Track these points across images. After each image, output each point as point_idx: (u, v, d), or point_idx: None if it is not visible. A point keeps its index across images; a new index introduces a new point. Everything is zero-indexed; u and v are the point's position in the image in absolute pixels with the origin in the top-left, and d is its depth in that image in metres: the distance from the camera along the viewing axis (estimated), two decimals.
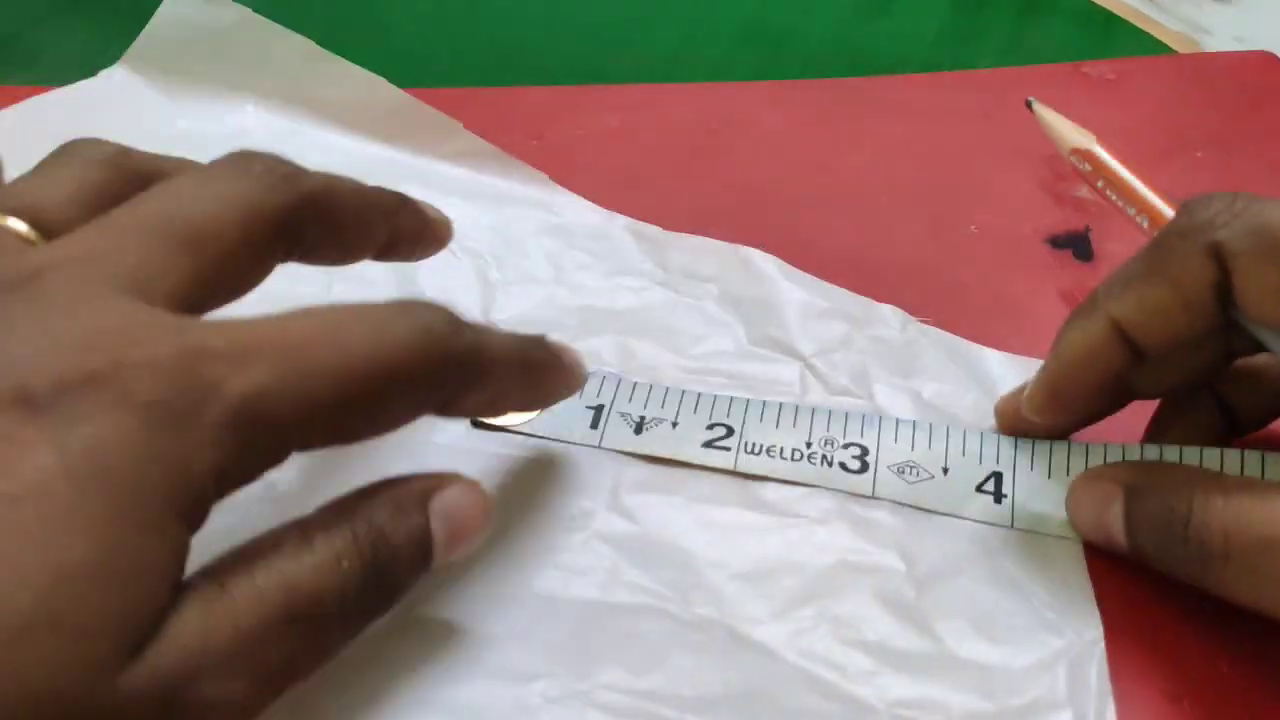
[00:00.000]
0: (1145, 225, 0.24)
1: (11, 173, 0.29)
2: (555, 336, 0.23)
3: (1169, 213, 0.23)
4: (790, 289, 0.30)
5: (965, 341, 0.29)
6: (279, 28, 0.32)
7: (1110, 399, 0.25)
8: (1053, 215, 0.34)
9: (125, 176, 0.21)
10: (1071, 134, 0.24)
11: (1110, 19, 0.44)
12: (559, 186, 0.33)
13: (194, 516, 0.16)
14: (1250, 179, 0.35)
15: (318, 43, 0.33)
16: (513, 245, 0.31)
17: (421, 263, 0.28)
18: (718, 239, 0.32)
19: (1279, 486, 0.21)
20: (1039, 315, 0.31)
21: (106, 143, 0.22)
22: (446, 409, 0.20)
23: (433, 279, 0.29)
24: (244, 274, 0.20)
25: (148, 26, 0.33)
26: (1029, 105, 0.25)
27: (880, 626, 0.23)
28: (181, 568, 0.16)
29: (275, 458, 0.17)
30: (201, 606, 0.16)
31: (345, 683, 0.21)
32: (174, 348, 0.16)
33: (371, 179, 0.31)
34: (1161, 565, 0.22)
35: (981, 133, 0.37)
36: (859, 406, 0.27)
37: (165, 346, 0.16)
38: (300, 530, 0.18)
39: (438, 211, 0.25)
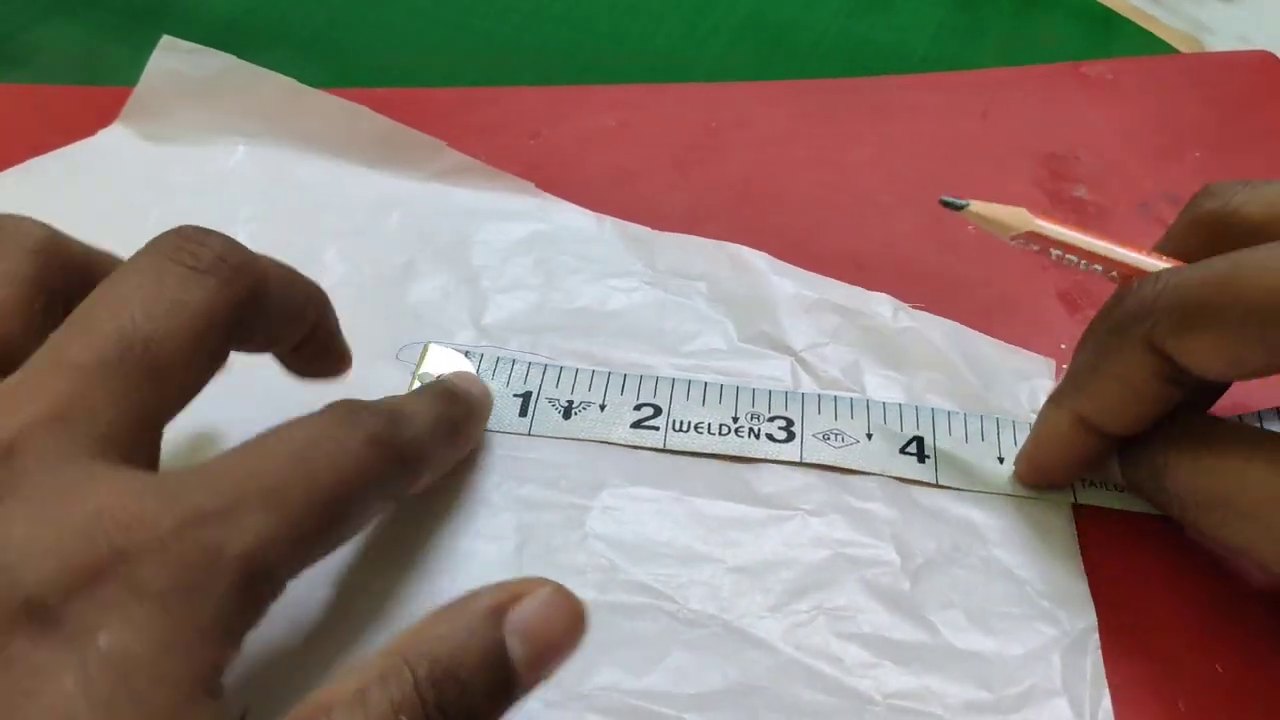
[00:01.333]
0: (1115, 277, 0.24)
1: None
2: (460, 368, 0.25)
3: (1131, 258, 0.24)
4: (780, 283, 0.30)
5: (958, 326, 0.30)
6: (264, 70, 0.33)
7: (1094, 462, 0.25)
8: (1051, 215, 0.33)
9: (58, 266, 0.20)
10: (1008, 220, 0.24)
11: (1111, 17, 0.44)
12: (546, 193, 0.33)
13: (217, 687, 0.16)
14: (1250, 179, 0.35)
15: (316, 42, 0.33)
16: (500, 255, 0.31)
17: (413, 280, 0.30)
18: (715, 238, 0.32)
19: (1241, 447, 0.22)
20: (1037, 315, 0.31)
21: (33, 225, 0.21)
22: (397, 499, 0.21)
23: (425, 297, 0.30)
24: (199, 386, 0.20)
25: (139, 83, 0.34)
26: (957, 208, 0.25)
27: (876, 618, 0.23)
28: None
29: (274, 598, 0.17)
30: None
31: None
32: (173, 519, 0.16)
33: (359, 204, 0.32)
34: (1152, 503, 0.25)
35: (980, 132, 0.37)
36: (851, 399, 0.28)
37: (164, 519, 0.16)
38: (356, 685, 0.16)
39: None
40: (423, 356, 0.28)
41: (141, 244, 0.28)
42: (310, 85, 0.33)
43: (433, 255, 0.31)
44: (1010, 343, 0.30)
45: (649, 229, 0.32)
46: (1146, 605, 0.24)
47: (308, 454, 0.18)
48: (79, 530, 0.16)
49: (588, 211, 0.32)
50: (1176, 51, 0.42)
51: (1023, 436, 0.27)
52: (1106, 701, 0.22)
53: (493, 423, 0.27)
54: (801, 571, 0.24)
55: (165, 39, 0.34)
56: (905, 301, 0.30)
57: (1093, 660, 0.23)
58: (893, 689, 0.22)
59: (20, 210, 0.29)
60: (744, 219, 0.33)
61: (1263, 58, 0.41)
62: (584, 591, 0.23)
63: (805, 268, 0.31)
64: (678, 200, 0.33)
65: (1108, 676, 0.22)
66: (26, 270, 0.20)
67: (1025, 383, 0.29)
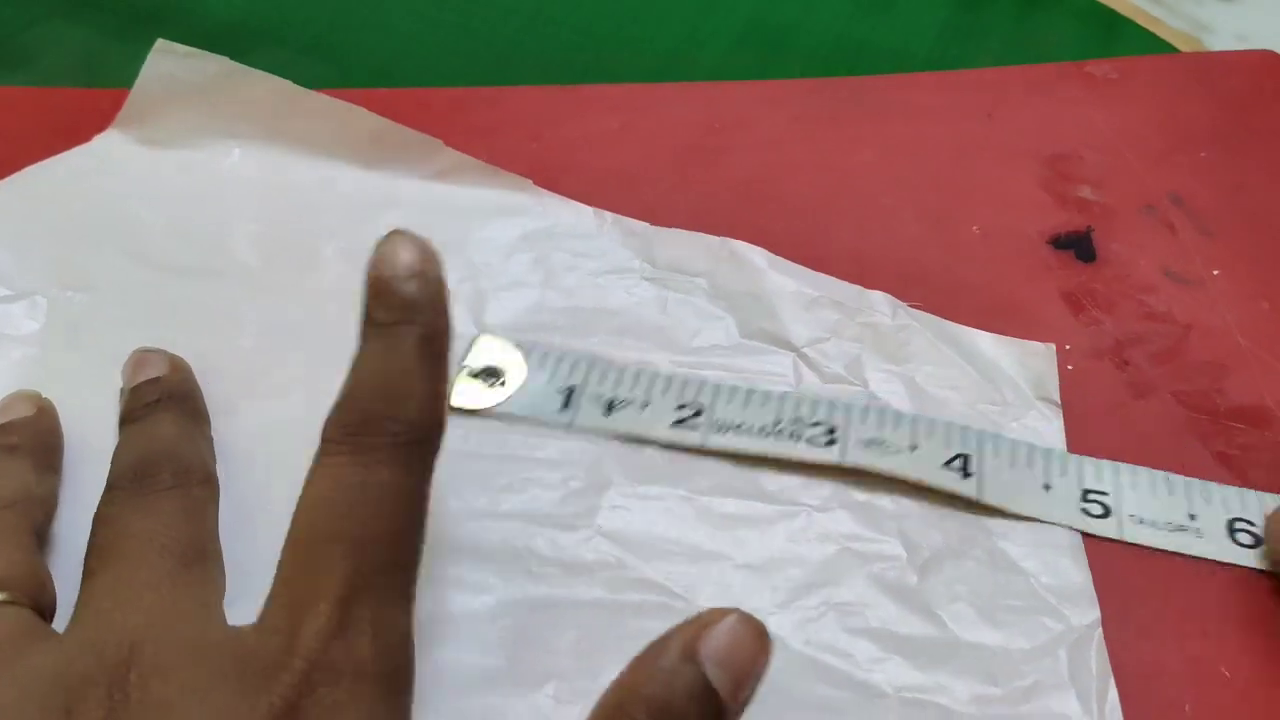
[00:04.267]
0: None
1: (28, 241, 0.30)
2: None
3: None
4: (779, 279, 0.30)
5: (956, 325, 0.30)
6: (259, 73, 0.33)
7: None
8: (1055, 215, 0.34)
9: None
10: None
11: (1113, 17, 0.44)
12: (544, 190, 0.33)
13: None
14: (1252, 178, 0.35)
15: (317, 43, 0.33)
16: (500, 253, 0.31)
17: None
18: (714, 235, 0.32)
19: None
20: (1041, 316, 0.31)
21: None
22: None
23: None
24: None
25: (134, 88, 0.33)
26: None
27: (884, 613, 0.23)
28: None
29: (412, 647, 0.20)
30: None
31: None
32: (304, 657, 0.18)
33: (356, 204, 0.32)
34: None
35: (984, 132, 0.37)
36: (853, 394, 0.28)
37: (297, 661, 0.18)
38: None
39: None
40: (471, 346, 0.28)
41: (142, 253, 0.30)
42: (310, 86, 0.33)
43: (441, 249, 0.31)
44: None
45: (648, 224, 0.32)
46: (1153, 608, 0.24)
47: (359, 520, 0.19)
48: (239, 694, 0.18)
49: (586, 207, 0.32)
50: (1178, 51, 0.42)
51: (1068, 468, 0.26)
52: (1113, 694, 0.22)
53: (537, 413, 0.27)
54: (809, 568, 0.24)
55: (160, 42, 0.33)
56: (906, 302, 0.30)
57: (1098, 654, 0.23)
58: (903, 682, 0.22)
59: (20, 220, 0.30)
60: (745, 220, 0.32)
61: (1266, 57, 0.40)
62: (593, 590, 0.23)
63: (807, 268, 0.31)
64: (679, 201, 0.33)
65: (1119, 694, 0.22)
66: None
67: (1027, 370, 0.29)
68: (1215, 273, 0.32)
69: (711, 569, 0.24)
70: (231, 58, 0.33)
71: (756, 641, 0.18)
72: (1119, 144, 0.36)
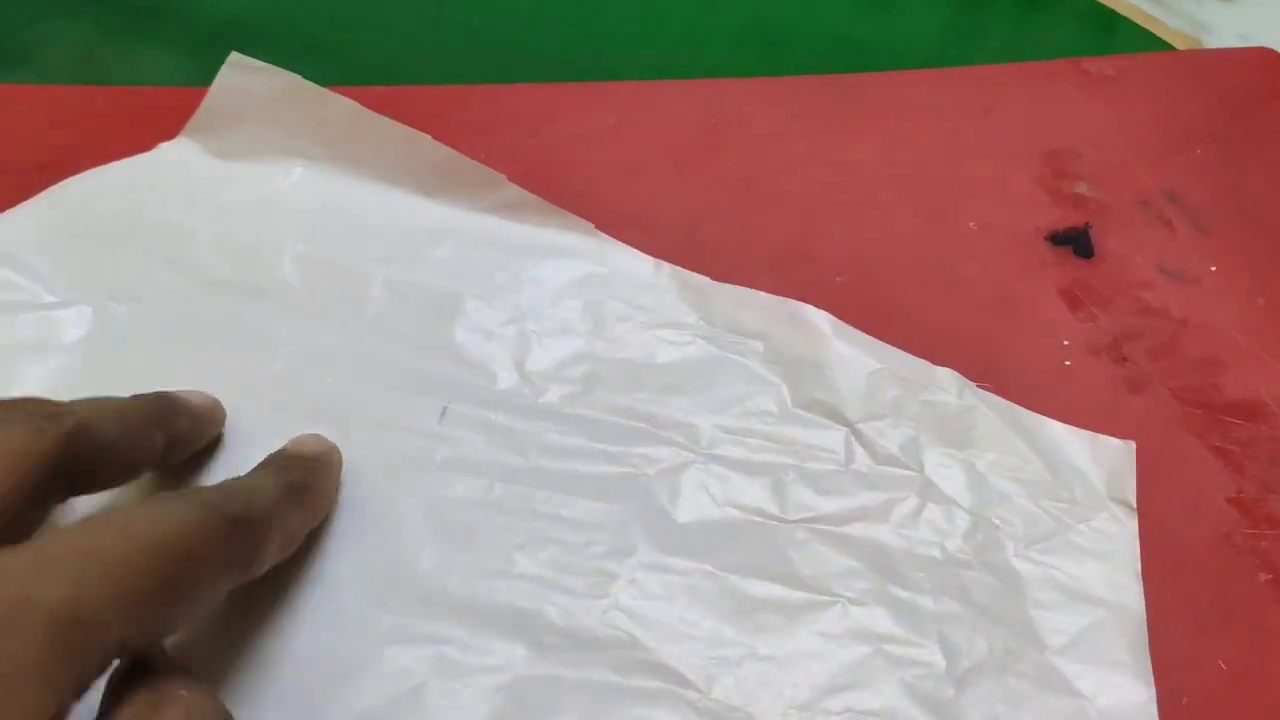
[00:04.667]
0: None
1: (80, 247, 0.30)
2: (303, 434, 0.25)
3: None
4: (842, 348, 0.28)
5: (1027, 411, 0.28)
6: (328, 92, 0.32)
7: None
8: (1052, 212, 0.34)
9: (72, 450, 0.21)
10: None
11: (1112, 16, 0.44)
12: (604, 235, 0.32)
13: None
14: (1249, 175, 0.35)
15: (316, 41, 0.33)
16: (550, 296, 0.30)
17: (458, 315, 0.29)
18: (715, 236, 0.32)
19: None
20: (1039, 313, 0.31)
21: (63, 411, 0.22)
22: (250, 571, 0.21)
23: (469, 335, 0.29)
24: (24, 521, 0.20)
25: (205, 99, 0.33)
26: None
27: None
28: None
29: (107, 657, 0.17)
30: None
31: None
32: None
33: (409, 233, 0.32)
34: None
35: (982, 129, 0.37)
36: (907, 478, 0.26)
37: None
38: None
39: (203, 396, 0.26)
40: None
41: (188, 262, 0.30)
42: (309, 84, 0.33)
43: (481, 292, 0.30)
44: (1009, 340, 0.29)
45: (708, 279, 0.30)
46: (1151, 602, 0.24)
47: (130, 520, 0.19)
48: None
49: (646, 256, 0.31)
50: (1177, 50, 0.42)
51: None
52: None
53: None
54: (836, 667, 0.22)
55: (234, 56, 0.33)
56: (906, 301, 0.30)
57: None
58: None
59: (71, 226, 0.30)
60: (744, 217, 0.33)
61: (1264, 55, 0.41)
62: (600, 672, 0.22)
63: (806, 265, 0.31)
64: (677, 198, 0.33)
65: None
66: (38, 447, 0.21)
67: (1101, 466, 0.26)
68: (1212, 269, 0.32)
69: (730, 657, 0.22)
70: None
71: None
72: (1116, 141, 0.36)
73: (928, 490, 0.26)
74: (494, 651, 0.22)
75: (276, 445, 0.25)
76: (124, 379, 0.26)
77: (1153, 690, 0.22)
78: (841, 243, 0.32)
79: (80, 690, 0.17)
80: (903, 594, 0.24)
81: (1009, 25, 0.43)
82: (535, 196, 0.32)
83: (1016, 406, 0.28)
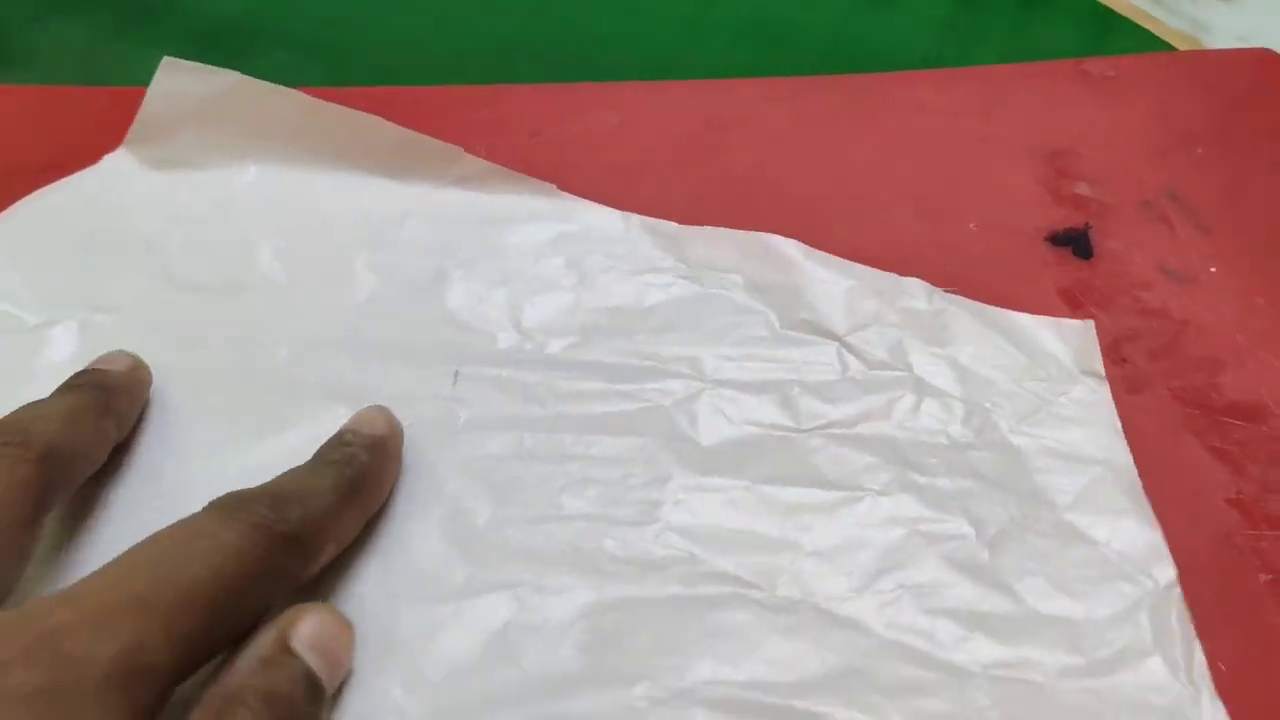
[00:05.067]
0: None
1: (49, 264, 0.29)
2: (353, 419, 0.25)
3: None
4: (814, 269, 0.30)
5: (991, 307, 0.30)
6: (271, 85, 0.32)
7: None
8: (1052, 212, 0.34)
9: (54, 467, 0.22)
10: None
11: (1111, 16, 0.44)
12: (567, 194, 0.32)
13: None
14: (1249, 175, 0.35)
15: (315, 42, 0.33)
16: (530, 257, 0.31)
17: (446, 286, 0.30)
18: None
19: None
20: (1038, 312, 0.30)
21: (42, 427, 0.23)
22: (300, 580, 0.21)
23: (462, 299, 0.30)
24: (24, 551, 0.21)
25: (142, 107, 0.33)
26: None
27: (961, 592, 0.23)
28: None
29: (163, 696, 0.18)
30: None
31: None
32: (35, 634, 0.17)
33: (380, 215, 0.32)
34: None
35: (982, 129, 0.37)
36: (900, 378, 0.28)
37: (26, 637, 0.17)
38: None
39: (123, 357, 0.26)
40: None
41: (165, 273, 0.30)
42: (309, 85, 0.33)
43: (462, 261, 0.31)
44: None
45: (676, 224, 0.32)
46: None
47: (177, 556, 0.19)
48: None
49: (612, 210, 0.32)
50: (1176, 50, 0.42)
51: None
52: (1199, 655, 0.22)
53: None
54: (880, 551, 0.24)
55: (166, 60, 0.33)
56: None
57: (1178, 615, 0.23)
58: (989, 659, 0.22)
59: (32, 246, 0.30)
60: (744, 217, 0.33)
61: (1264, 55, 0.41)
62: (668, 586, 0.23)
63: None
64: (678, 197, 0.33)
65: None
66: (21, 474, 0.21)
67: (1068, 346, 0.29)
68: (1212, 269, 0.32)
69: (782, 557, 0.24)
70: (230, 56, 0.33)
71: (339, 627, 0.21)
72: (1116, 141, 0.36)
73: (921, 387, 0.28)
74: (565, 587, 0.23)
75: (299, 432, 0.26)
76: (129, 473, 0.26)
77: (1159, 530, 0.25)
78: (842, 243, 0.32)
79: None
80: (921, 479, 0.26)
81: (1009, 25, 0.43)
82: (496, 165, 0.32)
83: (982, 305, 0.30)
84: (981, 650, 0.22)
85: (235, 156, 0.33)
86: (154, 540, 0.20)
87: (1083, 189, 0.35)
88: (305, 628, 0.20)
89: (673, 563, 0.24)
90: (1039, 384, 0.28)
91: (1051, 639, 0.23)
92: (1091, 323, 0.30)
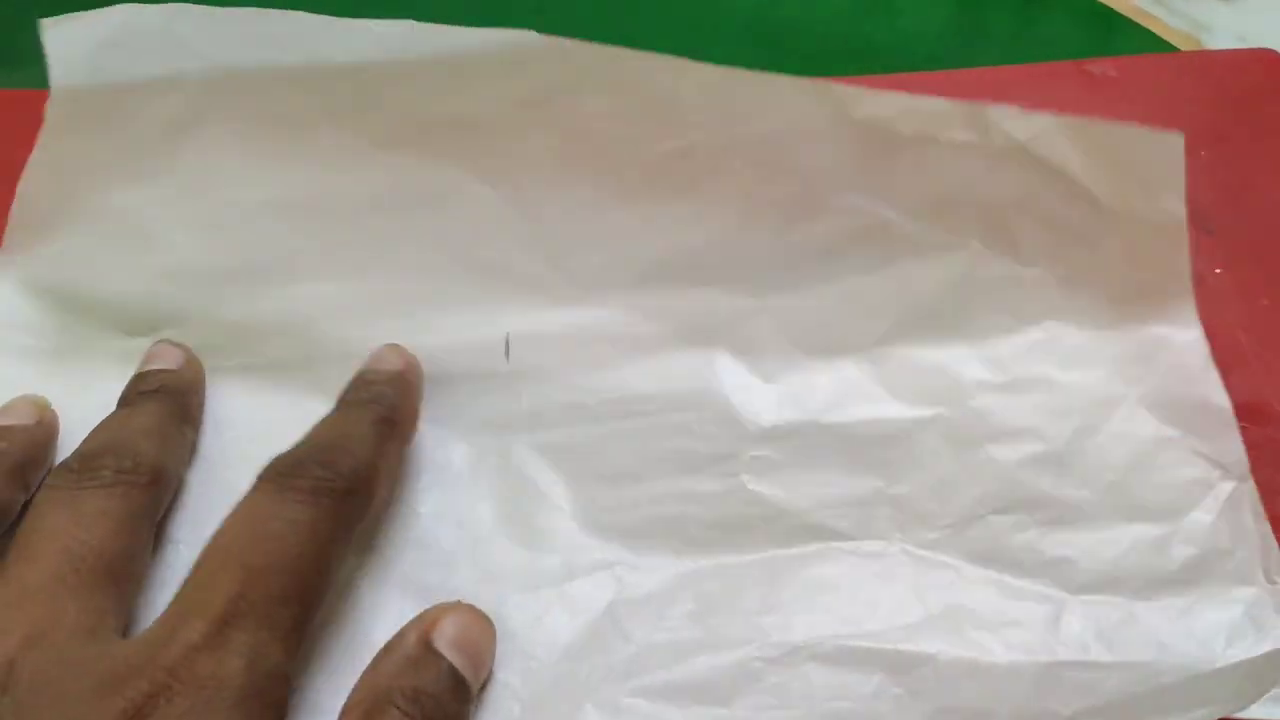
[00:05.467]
0: None
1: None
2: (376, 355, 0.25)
3: None
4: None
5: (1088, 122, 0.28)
6: (178, 6, 0.27)
7: None
8: None
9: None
10: None
11: (1113, 17, 0.44)
12: (546, 38, 0.28)
13: None
14: (1253, 176, 0.35)
15: None
16: (533, 125, 0.28)
17: (469, 208, 0.27)
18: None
19: None
20: None
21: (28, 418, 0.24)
22: (363, 520, 0.22)
23: (481, 240, 0.27)
24: (147, 573, 0.22)
25: (52, 93, 0.29)
26: None
27: (1041, 514, 0.24)
28: None
29: (290, 688, 0.20)
30: None
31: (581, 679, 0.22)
32: (165, 664, 0.18)
33: (358, 174, 0.28)
34: None
35: None
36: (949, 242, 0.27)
37: (157, 667, 0.18)
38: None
39: (173, 351, 0.26)
40: None
41: (177, 266, 0.28)
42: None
43: (478, 168, 0.28)
44: None
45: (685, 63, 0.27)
46: None
47: (254, 549, 0.20)
48: (96, 697, 0.18)
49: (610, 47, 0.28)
50: (1178, 50, 0.42)
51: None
52: (1276, 550, 0.23)
53: None
54: (956, 477, 0.25)
55: (46, 24, 0.28)
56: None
57: (1253, 509, 0.24)
58: (1077, 585, 0.23)
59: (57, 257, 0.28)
60: None
61: (1267, 56, 0.40)
62: (760, 547, 0.24)
63: None
64: None
65: None
66: (139, 501, 0.22)
67: (1156, 161, 0.28)
68: (1217, 271, 0.32)
69: (865, 506, 0.24)
70: None
71: (481, 626, 0.22)
72: None
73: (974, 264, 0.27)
74: (660, 560, 0.24)
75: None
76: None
77: (1234, 426, 0.25)
78: None
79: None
80: (976, 403, 0.26)
81: (1010, 26, 0.43)
82: (456, 31, 0.28)
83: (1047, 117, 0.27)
84: (1072, 574, 0.23)
85: (178, 111, 0.28)
86: (228, 531, 0.20)
87: None
88: (449, 627, 0.21)
89: (760, 521, 0.24)
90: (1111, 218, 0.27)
91: (1135, 546, 0.23)
92: (1180, 136, 0.28)
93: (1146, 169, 0.27)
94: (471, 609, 0.22)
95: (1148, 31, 0.43)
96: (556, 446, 0.25)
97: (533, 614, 0.23)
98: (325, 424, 0.23)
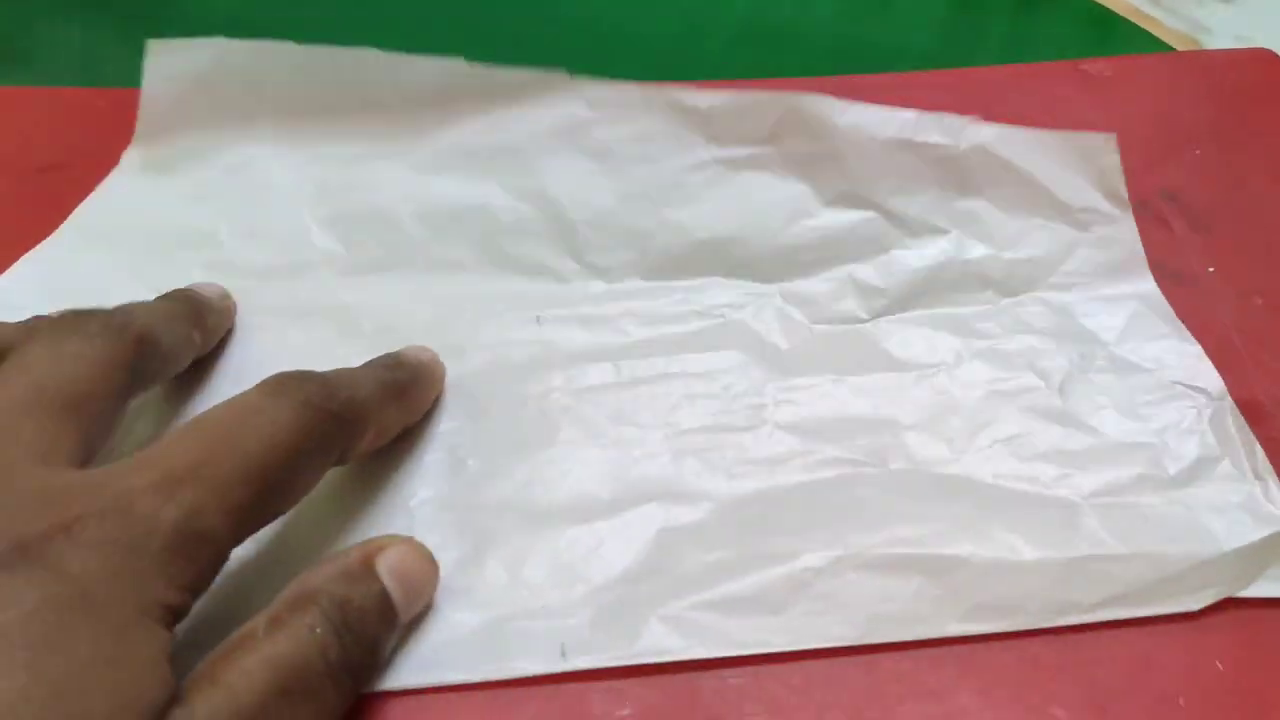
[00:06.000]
0: None
1: (115, 265, 0.29)
2: (411, 346, 0.27)
3: None
4: (847, 128, 0.31)
5: (1016, 129, 0.31)
6: (263, 45, 0.32)
7: None
8: None
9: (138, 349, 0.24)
10: None
11: (1110, 17, 0.44)
12: (585, 79, 0.32)
13: (168, 621, 0.18)
14: (1248, 176, 0.35)
15: (316, 42, 0.33)
16: (564, 157, 0.31)
17: (496, 226, 0.30)
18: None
19: None
20: None
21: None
22: (343, 459, 0.23)
23: (514, 242, 0.30)
24: (112, 421, 0.23)
25: (142, 101, 0.32)
26: None
27: (1048, 436, 0.26)
28: (170, 664, 0.18)
29: (219, 558, 0.20)
30: (201, 699, 0.18)
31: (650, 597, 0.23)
32: (108, 496, 0.19)
33: (413, 160, 0.31)
34: None
35: None
36: (942, 250, 0.30)
37: (100, 498, 0.18)
38: (268, 617, 0.19)
39: (215, 289, 0.28)
40: None
41: (226, 262, 0.30)
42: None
43: (508, 188, 0.31)
44: None
45: (702, 93, 0.31)
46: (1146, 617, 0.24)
47: (235, 429, 0.20)
48: (29, 507, 0.18)
49: (630, 84, 0.31)
50: (1174, 51, 0.42)
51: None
52: (1260, 451, 0.26)
53: None
54: (967, 414, 0.27)
55: (151, 44, 0.32)
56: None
57: (1234, 420, 0.26)
58: (1088, 490, 0.25)
59: (93, 250, 0.30)
60: None
61: (1262, 55, 0.41)
62: (793, 476, 0.26)
63: None
64: None
65: (1109, 684, 0.22)
66: (119, 354, 0.23)
67: (1092, 167, 0.31)
68: (1210, 269, 0.32)
69: (884, 435, 0.26)
70: None
71: (424, 562, 0.22)
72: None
73: (962, 247, 0.30)
74: (704, 492, 0.25)
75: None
76: (216, 381, 0.27)
77: (1199, 347, 0.28)
78: None
79: (200, 588, 0.19)
80: (984, 344, 0.29)
81: (1007, 26, 0.43)
82: (492, 70, 0.31)
83: (1006, 128, 0.31)
84: (1078, 483, 0.25)
85: (249, 132, 0.32)
86: (214, 413, 0.21)
87: None
88: (391, 555, 0.22)
89: (789, 456, 0.26)
90: (1065, 224, 0.31)
91: (1135, 461, 0.26)
92: (1113, 135, 0.31)
93: (1087, 167, 0.31)
94: (418, 546, 0.23)
95: (1145, 32, 0.43)
96: (590, 395, 0.27)
97: (592, 543, 0.24)
98: (339, 369, 0.24)
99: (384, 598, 0.21)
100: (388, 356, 0.26)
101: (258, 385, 0.22)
